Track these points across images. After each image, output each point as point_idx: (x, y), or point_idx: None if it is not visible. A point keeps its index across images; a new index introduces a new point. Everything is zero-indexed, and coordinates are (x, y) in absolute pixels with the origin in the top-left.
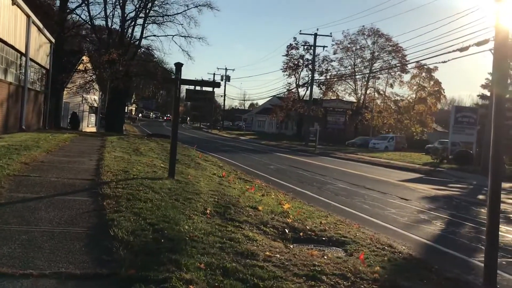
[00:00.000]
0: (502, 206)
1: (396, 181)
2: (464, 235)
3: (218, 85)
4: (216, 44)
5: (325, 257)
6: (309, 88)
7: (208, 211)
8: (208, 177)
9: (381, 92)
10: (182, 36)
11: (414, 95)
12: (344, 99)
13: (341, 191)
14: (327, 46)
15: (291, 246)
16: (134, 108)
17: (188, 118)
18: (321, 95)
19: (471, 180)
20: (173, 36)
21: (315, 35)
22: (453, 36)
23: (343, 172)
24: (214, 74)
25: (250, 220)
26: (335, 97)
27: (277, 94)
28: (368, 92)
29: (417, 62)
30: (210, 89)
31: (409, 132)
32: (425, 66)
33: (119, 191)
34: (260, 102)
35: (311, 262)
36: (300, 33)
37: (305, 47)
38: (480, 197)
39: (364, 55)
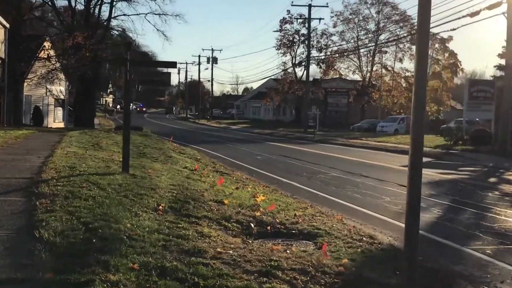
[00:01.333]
0: (506, 186)
1: (398, 166)
2: (461, 222)
3: (173, 64)
4: (201, 22)
5: (288, 251)
6: (306, 67)
7: (160, 207)
8: (176, 171)
9: (390, 68)
10: (156, 14)
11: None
12: (347, 78)
13: (333, 180)
14: (323, 19)
15: (250, 241)
16: (111, 99)
17: (174, 108)
18: (322, 75)
19: (487, 162)
20: (146, 14)
21: (309, 6)
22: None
23: (340, 159)
24: (199, 56)
25: (211, 215)
26: (337, 76)
27: (272, 75)
28: (374, 68)
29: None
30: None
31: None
32: (438, 36)
33: (57, 189)
34: (255, 86)
35: (269, 258)
36: (292, 5)
37: (300, 20)
38: (492, 180)
39: (368, 27)
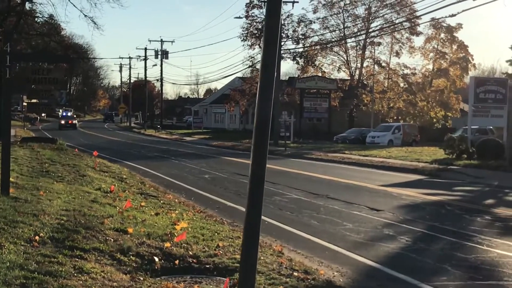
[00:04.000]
0: (510, 211)
1: (377, 186)
2: (432, 253)
3: (67, 59)
4: (148, 8)
5: None
6: (277, 61)
7: (37, 238)
8: (83, 193)
9: (384, 64)
10: None
11: (430, 66)
12: (331, 76)
13: (290, 204)
14: (298, 2)
15: (142, 279)
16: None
17: (115, 115)
18: (299, 72)
19: (491, 180)
20: None
21: None
22: None
23: (308, 178)
24: (145, 48)
25: (103, 247)
26: (320, 74)
27: (238, 72)
28: (365, 64)
29: (432, 19)
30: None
31: (427, 118)
32: (444, 24)
33: None
34: (220, 86)
35: None
36: None
37: None
38: (488, 202)
39: (357, 12)
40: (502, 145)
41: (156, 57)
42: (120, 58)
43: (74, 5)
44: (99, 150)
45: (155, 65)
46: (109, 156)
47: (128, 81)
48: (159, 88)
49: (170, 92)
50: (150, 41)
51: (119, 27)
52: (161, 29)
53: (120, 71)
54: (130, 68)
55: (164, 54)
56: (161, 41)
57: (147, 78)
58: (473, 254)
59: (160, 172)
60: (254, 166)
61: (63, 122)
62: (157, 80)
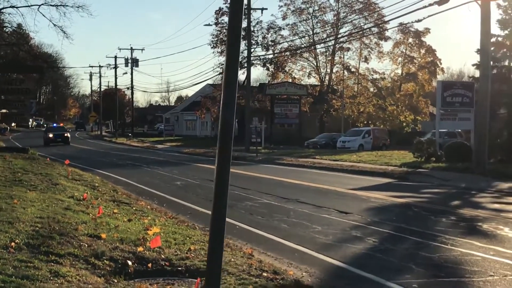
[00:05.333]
0: (477, 212)
1: (347, 189)
2: (397, 253)
3: (39, 70)
4: (122, 15)
5: None
6: (247, 68)
7: (13, 244)
8: (56, 201)
9: (353, 69)
10: (52, 5)
11: (399, 71)
12: (302, 82)
13: (261, 208)
14: (266, 9)
15: (116, 281)
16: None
17: (86, 123)
18: (270, 78)
19: (458, 183)
20: (39, 5)
21: None
22: None
23: (278, 183)
24: (115, 57)
25: (78, 252)
26: (291, 80)
27: (209, 79)
28: (335, 70)
29: (400, 24)
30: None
31: (397, 122)
32: (411, 29)
33: None
34: (191, 93)
35: None
36: None
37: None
38: (454, 203)
39: (325, 18)
40: (470, 148)
41: (126, 65)
42: (90, 66)
43: (43, 15)
44: (70, 159)
45: (126, 73)
46: (81, 164)
47: (99, 89)
48: (130, 96)
49: (141, 100)
50: (120, 49)
51: (89, 36)
52: (130, 37)
53: (90, 79)
54: (100, 76)
55: (134, 62)
56: (131, 49)
57: (118, 86)
58: (437, 253)
59: (133, 179)
60: (219, 169)
61: (51, 135)
62: (128, 88)
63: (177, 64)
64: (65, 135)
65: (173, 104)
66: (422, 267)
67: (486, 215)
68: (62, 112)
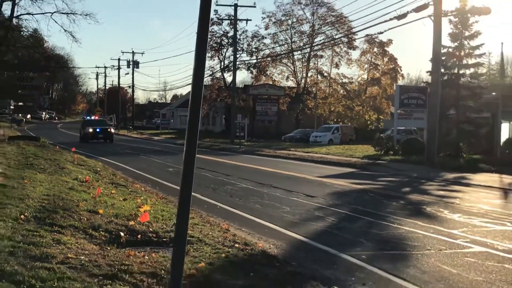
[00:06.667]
0: (423, 197)
1: (314, 177)
2: (351, 230)
3: (45, 69)
4: (121, 23)
5: (147, 257)
6: (233, 71)
7: (22, 216)
8: (62, 182)
9: (326, 74)
10: (64, 13)
11: (365, 76)
12: (281, 84)
13: (239, 192)
14: (251, 20)
15: (109, 248)
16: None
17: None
18: (253, 80)
19: (411, 173)
20: (52, 13)
21: (235, 5)
22: (392, 1)
23: (257, 171)
24: (118, 59)
25: (78, 224)
26: (271, 82)
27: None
28: (309, 74)
29: (367, 35)
30: None
31: (362, 120)
32: (376, 40)
33: None
34: (185, 92)
35: (121, 262)
36: (216, 4)
37: (229, 21)
38: (405, 189)
39: (302, 29)
40: (423, 143)
41: (128, 66)
42: (96, 67)
43: (55, 21)
44: (77, 148)
45: (128, 73)
46: (86, 152)
47: (104, 87)
48: (131, 94)
49: (141, 97)
50: (123, 52)
51: (95, 40)
52: (132, 42)
53: (97, 78)
54: (105, 76)
55: (135, 64)
56: (133, 52)
57: (120, 85)
58: (385, 230)
59: (131, 166)
60: (187, 152)
61: (91, 130)
62: (129, 87)
63: (174, 66)
64: (109, 130)
65: (169, 101)
66: (371, 242)
67: (430, 200)
68: (71, 106)
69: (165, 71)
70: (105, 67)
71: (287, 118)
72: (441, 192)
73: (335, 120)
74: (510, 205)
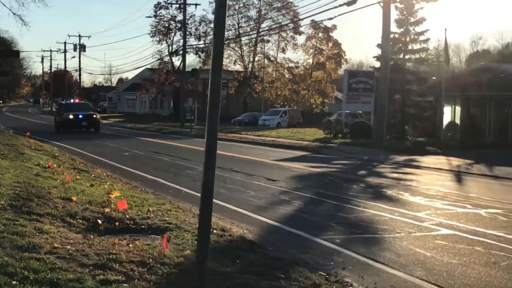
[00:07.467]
0: (380, 180)
1: (271, 161)
2: (319, 214)
3: (16, 53)
4: (69, 6)
5: (131, 245)
6: (183, 55)
7: None
8: (26, 168)
9: (272, 59)
10: None
11: (311, 61)
12: (229, 68)
13: (201, 176)
14: (200, 4)
15: (92, 237)
16: None
17: (41, 100)
18: (201, 65)
19: (362, 155)
20: None
21: None
22: None
23: None
24: (64, 42)
25: (54, 212)
26: None
27: (148, 64)
28: (256, 59)
29: (312, 20)
30: None
31: (308, 104)
32: (321, 25)
33: None
34: (131, 76)
35: (108, 251)
36: None
37: (177, 6)
38: (361, 172)
39: (249, 14)
40: (370, 126)
41: (75, 50)
42: (42, 50)
43: (4, 4)
44: (29, 132)
45: (74, 57)
46: (39, 137)
47: (50, 71)
48: (77, 78)
49: (86, 81)
50: (69, 36)
51: (42, 23)
52: (79, 26)
53: (42, 62)
54: (51, 59)
55: (82, 47)
56: (79, 36)
57: (67, 69)
58: (352, 214)
59: (86, 151)
60: (209, 134)
61: (71, 117)
62: (76, 70)
63: (122, 50)
64: (94, 116)
65: (114, 85)
66: (341, 226)
67: (388, 183)
68: (16, 90)
69: (112, 55)
70: (51, 51)
71: (235, 102)
72: (396, 175)
73: (281, 104)
74: (465, 187)
